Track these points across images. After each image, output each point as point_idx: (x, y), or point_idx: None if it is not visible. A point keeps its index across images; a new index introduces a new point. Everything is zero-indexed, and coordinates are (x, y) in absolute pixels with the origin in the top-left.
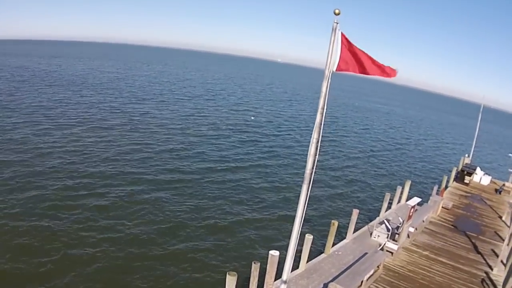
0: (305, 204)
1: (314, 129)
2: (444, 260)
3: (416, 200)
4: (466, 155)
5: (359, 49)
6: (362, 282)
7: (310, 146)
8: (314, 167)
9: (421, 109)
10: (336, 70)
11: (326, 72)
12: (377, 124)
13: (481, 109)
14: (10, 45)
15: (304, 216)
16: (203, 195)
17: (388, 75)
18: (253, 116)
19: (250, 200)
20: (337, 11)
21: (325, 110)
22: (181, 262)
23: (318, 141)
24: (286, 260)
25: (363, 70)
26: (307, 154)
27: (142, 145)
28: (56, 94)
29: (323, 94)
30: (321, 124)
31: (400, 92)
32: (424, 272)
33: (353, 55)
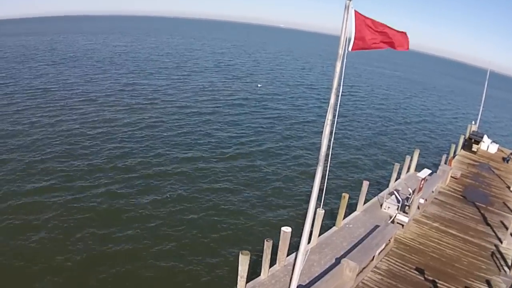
0: (319, 185)
1: (328, 110)
2: (454, 232)
3: (426, 171)
4: (473, 122)
5: (377, 22)
6: (374, 256)
7: (324, 127)
8: (330, 148)
9: (427, 74)
10: (351, 50)
11: (340, 51)
12: (382, 91)
13: (487, 75)
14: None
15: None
16: (212, 175)
17: (405, 44)
18: (260, 84)
19: (259, 178)
20: None
21: (341, 91)
22: (194, 244)
23: (332, 122)
24: (301, 241)
25: (382, 45)
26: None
27: (151, 121)
28: (59, 71)
29: (337, 74)
30: (335, 105)
31: (409, 57)
32: (435, 245)
33: (370, 31)
